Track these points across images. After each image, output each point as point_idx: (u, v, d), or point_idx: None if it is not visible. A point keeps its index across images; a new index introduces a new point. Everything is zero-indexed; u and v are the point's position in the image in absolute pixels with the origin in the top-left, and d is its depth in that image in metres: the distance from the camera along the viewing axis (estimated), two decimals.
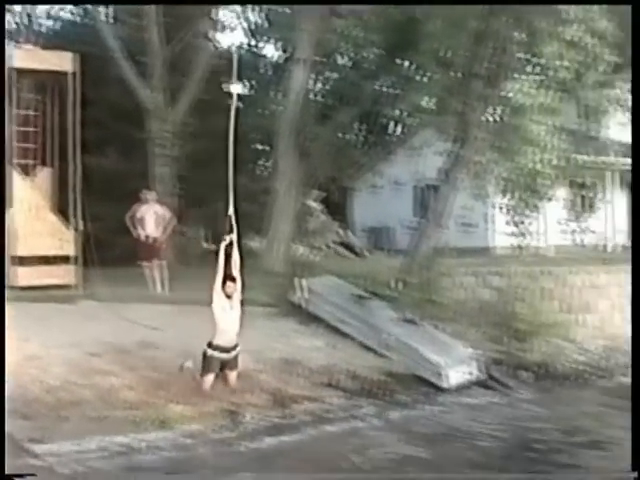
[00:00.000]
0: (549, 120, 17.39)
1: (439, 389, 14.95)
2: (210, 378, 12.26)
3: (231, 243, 12.49)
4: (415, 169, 25.31)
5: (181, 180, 24.27)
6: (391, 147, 29.88)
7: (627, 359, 17.79)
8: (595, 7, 17.72)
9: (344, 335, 16.48)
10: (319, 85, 26.85)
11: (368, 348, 15.99)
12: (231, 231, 12.52)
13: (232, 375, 12.54)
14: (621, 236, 28.43)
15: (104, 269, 16.97)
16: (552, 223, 23.58)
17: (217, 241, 26.63)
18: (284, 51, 29.44)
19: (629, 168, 26.99)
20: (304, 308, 17.61)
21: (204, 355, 12.23)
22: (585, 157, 20.56)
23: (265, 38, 30.56)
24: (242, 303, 12.55)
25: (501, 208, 19.71)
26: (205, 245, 27.11)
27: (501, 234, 22.12)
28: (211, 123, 22.78)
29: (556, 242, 24.81)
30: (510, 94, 18.51)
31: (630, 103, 25.27)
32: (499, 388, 15.67)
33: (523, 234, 19.22)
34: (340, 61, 26.35)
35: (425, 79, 21.49)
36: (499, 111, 19.64)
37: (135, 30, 24.21)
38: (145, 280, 18.58)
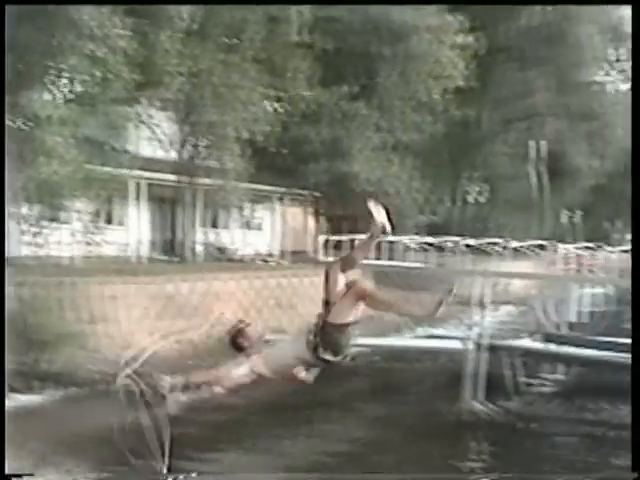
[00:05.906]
0: (68, 132, 17.53)
1: None
2: None
3: None
4: None
5: None
6: None
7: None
8: (118, 24, 18.23)
9: None
10: None
11: None
12: None
13: None
14: (144, 247, 29.17)
15: None
16: (76, 234, 23.56)
17: None
18: None
19: (153, 182, 28.08)
20: None
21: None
22: (108, 169, 20.83)
23: None
24: None
25: (20, 218, 19.49)
26: None
27: (22, 244, 21.82)
28: None
29: (80, 252, 24.85)
30: (32, 104, 18.42)
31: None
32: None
33: (42, 245, 19.14)
34: None
35: None
36: (21, 120, 19.52)
37: None
38: None
